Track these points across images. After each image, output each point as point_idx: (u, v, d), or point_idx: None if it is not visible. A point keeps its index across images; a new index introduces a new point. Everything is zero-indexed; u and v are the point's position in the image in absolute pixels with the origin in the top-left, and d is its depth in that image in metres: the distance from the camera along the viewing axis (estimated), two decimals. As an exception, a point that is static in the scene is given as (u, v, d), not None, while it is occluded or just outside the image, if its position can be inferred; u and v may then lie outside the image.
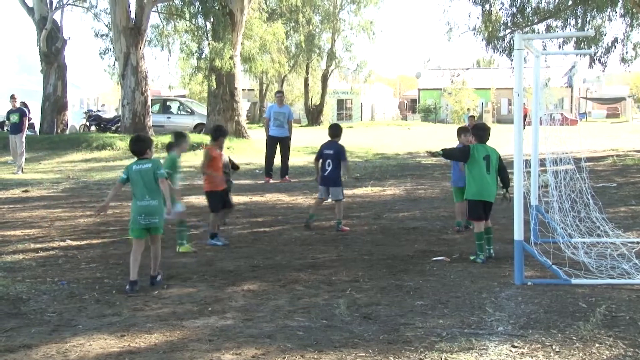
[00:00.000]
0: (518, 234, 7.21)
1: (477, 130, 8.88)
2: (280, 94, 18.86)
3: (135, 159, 7.46)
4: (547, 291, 6.80)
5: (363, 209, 12.80)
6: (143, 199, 7.23)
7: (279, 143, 17.78)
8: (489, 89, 65.91)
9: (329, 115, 64.87)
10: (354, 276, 7.59)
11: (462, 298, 6.62)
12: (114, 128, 34.16)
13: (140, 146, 7.50)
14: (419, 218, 11.74)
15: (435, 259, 8.42)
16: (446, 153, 9.03)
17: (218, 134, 10.17)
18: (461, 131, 10.25)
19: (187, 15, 32.27)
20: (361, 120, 66.90)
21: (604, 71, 28.25)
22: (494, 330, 5.62)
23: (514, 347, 5.21)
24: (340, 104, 71.60)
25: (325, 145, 10.95)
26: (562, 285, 7.01)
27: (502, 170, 8.62)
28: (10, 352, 5.19)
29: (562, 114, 45.54)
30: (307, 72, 57.75)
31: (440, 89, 66.54)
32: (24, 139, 20.64)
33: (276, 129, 17.71)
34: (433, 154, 8.74)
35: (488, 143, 8.75)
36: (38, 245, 9.54)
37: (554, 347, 5.19)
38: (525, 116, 33.99)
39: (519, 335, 5.46)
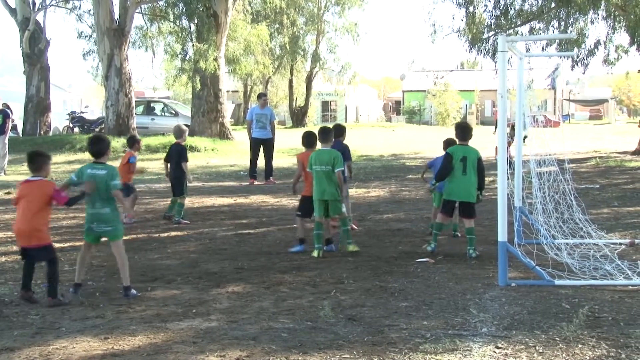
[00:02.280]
0: (502, 235, 7.24)
1: (458, 129, 8.94)
2: (263, 97, 18.83)
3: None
4: (531, 292, 6.84)
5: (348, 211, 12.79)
6: (94, 207, 7.02)
7: (262, 145, 17.77)
8: (473, 90, 66.22)
9: (314, 117, 64.89)
10: (339, 278, 7.60)
11: (446, 299, 6.64)
12: (97, 129, 33.99)
13: (99, 147, 7.20)
14: (403, 220, 11.77)
15: (419, 260, 8.45)
16: (438, 179, 8.97)
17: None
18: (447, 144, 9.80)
19: (171, 17, 32.19)
20: (345, 122, 66.94)
21: (584, 73, 28.45)
22: (478, 331, 5.64)
23: (498, 348, 5.23)
24: (325, 105, 71.65)
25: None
26: (545, 286, 7.05)
27: (480, 172, 8.69)
28: (-7, 355, 5.15)
29: (544, 116, 46.01)
30: (291, 74, 57.72)
31: (425, 91, 66.72)
32: (6, 141, 20.49)
33: (259, 130, 17.70)
34: (431, 191, 8.83)
35: (470, 143, 8.82)
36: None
37: (537, 347, 5.22)
38: (497, 120, 34.11)
39: (502, 336, 5.48)
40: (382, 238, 10.06)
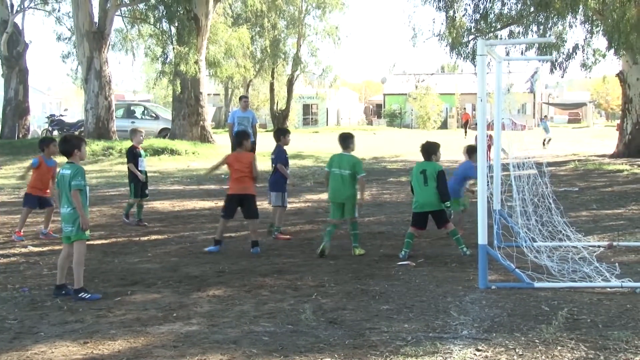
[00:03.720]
0: (482, 238, 7.28)
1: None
2: (244, 99, 18.78)
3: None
4: (511, 295, 6.88)
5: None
6: (62, 206, 7.10)
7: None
8: (454, 94, 66.54)
9: (295, 120, 64.87)
10: (320, 281, 7.60)
11: (427, 302, 6.66)
12: (77, 133, 33.78)
13: (65, 147, 7.24)
14: (384, 223, 11.79)
15: (400, 263, 8.47)
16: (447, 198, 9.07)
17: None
18: (472, 151, 10.03)
19: (152, 20, 32.07)
20: (327, 125, 67.01)
21: (562, 77, 28.68)
22: (459, 334, 5.66)
23: (478, 350, 5.26)
24: (306, 108, 71.63)
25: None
26: (525, 288, 7.09)
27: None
28: (-30, 361, 5.10)
29: (511, 120, 46.25)
30: (272, 77, 57.62)
31: (406, 94, 66.97)
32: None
33: (241, 133, 17.63)
34: (448, 206, 9.07)
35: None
36: (1, 251, 9.39)
37: (517, 350, 5.25)
38: (466, 122, 34.56)
39: (483, 339, 5.51)
40: (363, 241, 10.05)
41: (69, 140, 7.37)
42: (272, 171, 10.85)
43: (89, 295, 6.96)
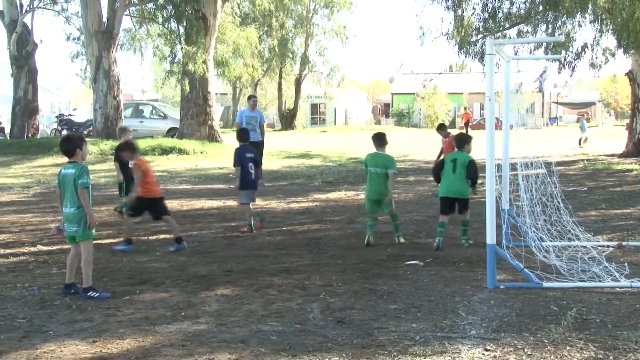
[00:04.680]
0: (490, 237, 7.27)
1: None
2: (253, 98, 18.79)
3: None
4: (519, 294, 6.86)
5: (337, 214, 12.82)
6: (65, 206, 7.07)
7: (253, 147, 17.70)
8: (462, 93, 66.42)
9: (303, 119, 64.90)
10: (328, 280, 7.60)
11: (435, 302, 6.65)
12: (85, 132, 33.88)
13: (67, 146, 7.21)
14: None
15: (408, 263, 8.46)
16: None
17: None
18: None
19: (160, 19, 32.13)
20: (335, 124, 66.99)
21: (571, 76, 28.58)
22: (467, 333, 5.65)
23: (487, 350, 5.24)
24: (314, 108, 71.66)
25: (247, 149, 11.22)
26: (534, 288, 7.07)
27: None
28: (-20, 359, 5.12)
29: (497, 118, 46.06)
30: (280, 77, 57.70)
31: (413, 94, 66.90)
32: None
33: (250, 133, 17.61)
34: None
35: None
36: (8, 251, 9.43)
37: (525, 350, 5.23)
38: (467, 122, 34.49)
39: (491, 339, 5.49)
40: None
41: (71, 140, 7.38)
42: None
43: (98, 294, 6.98)
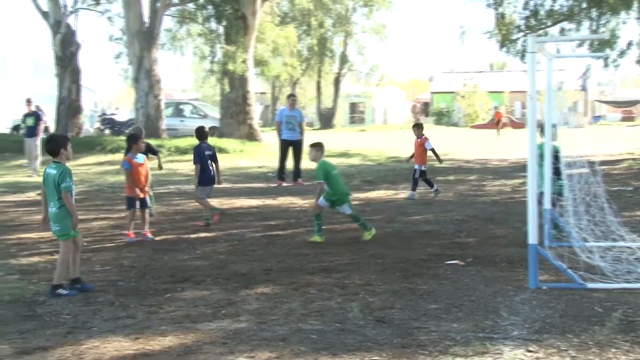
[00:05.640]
0: (532, 237, 7.18)
1: None
2: (292, 97, 18.85)
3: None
4: (562, 295, 6.76)
5: (376, 213, 12.78)
6: (49, 206, 7.16)
7: (291, 146, 17.77)
8: (503, 92, 65.78)
9: (342, 118, 64.90)
10: (367, 280, 7.58)
11: (476, 302, 6.60)
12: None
13: (52, 146, 7.26)
14: (432, 222, 11.70)
15: (448, 262, 8.40)
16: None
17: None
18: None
19: (200, 19, 32.39)
20: (373, 123, 66.86)
21: (615, 74, 28.18)
22: (509, 334, 5.59)
23: (529, 351, 5.18)
24: (353, 107, 71.63)
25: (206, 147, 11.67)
26: (577, 289, 6.97)
27: None
28: (27, 354, 5.22)
29: (510, 117, 45.06)
30: (319, 76, 57.79)
31: (453, 92, 66.47)
32: (38, 142, 20.76)
33: (288, 132, 17.70)
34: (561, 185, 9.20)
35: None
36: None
37: (569, 351, 5.16)
38: (498, 121, 34.02)
39: (534, 340, 5.43)
40: (411, 240, 10.02)
41: (56, 140, 7.42)
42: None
43: (67, 291, 7.05)
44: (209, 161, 11.53)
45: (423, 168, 14.78)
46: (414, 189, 14.65)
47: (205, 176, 11.48)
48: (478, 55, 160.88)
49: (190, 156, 22.64)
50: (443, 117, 68.68)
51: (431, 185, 14.68)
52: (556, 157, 9.06)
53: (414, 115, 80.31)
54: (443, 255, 8.80)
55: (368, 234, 10.02)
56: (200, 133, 11.90)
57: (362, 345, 5.35)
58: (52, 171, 7.10)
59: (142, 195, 10.28)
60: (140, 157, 10.44)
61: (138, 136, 10.74)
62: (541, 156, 8.76)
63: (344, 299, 6.78)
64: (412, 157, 15.27)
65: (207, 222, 11.39)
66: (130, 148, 10.55)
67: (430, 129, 51.16)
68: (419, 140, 14.92)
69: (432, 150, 14.84)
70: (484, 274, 7.79)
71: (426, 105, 79.82)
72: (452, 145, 31.90)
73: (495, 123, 43.15)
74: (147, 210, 10.43)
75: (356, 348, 5.30)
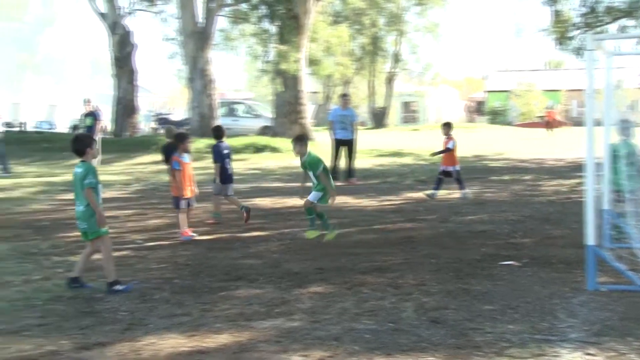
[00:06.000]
0: (590, 238, 7.04)
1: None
2: (345, 96, 18.85)
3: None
4: (622, 298, 6.62)
5: (429, 212, 12.70)
6: (75, 203, 7.29)
7: (344, 146, 17.77)
8: (559, 90, 64.62)
9: (394, 117, 64.63)
10: (421, 280, 7.53)
11: (532, 303, 6.50)
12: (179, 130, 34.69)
13: (77, 146, 7.37)
14: (486, 222, 11.57)
15: (503, 263, 8.30)
16: None
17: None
18: None
19: (253, 19, 32.63)
20: (426, 122, 66.42)
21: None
22: (567, 337, 5.49)
23: (588, 354, 5.09)
24: (406, 106, 71.29)
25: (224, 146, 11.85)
26: (637, 291, 6.81)
27: None
28: (86, 350, 5.32)
29: (548, 113, 43.80)
30: (371, 75, 57.65)
31: (508, 91, 65.60)
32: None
33: (341, 131, 17.70)
34: None
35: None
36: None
37: (630, 355, 5.05)
38: (550, 120, 33.17)
39: (592, 343, 5.32)
40: (465, 240, 9.93)
41: (81, 140, 7.56)
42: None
43: (124, 286, 7.17)
44: (227, 159, 11.75)
45: (457, 168, 14.64)
46: (462, 188, 14.49)
47: (225, 174, 11.68)
48: (534, 53, 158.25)
49: (242, 155, 22.89)
50: (497, 116, 67.78)
51: (436, 188, 14.48)
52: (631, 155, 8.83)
53: (468, 114, 79.49)
54: (498, 256, 8.69)
55: (310, 232, 10.14)
56: (218, 132, 12.12)
57: (416, 346, 5.32)
58: (78, 170, 7.24)
59: (189, 195, 10.40)
60: (186, 157, 10.57)
61: (186, 136, 10.90)
62: (616, 156, 8.59)
63: (398, 298, 6.75)
64: (440, 153, 15.07)
65: (217, 219, 11.63)
66: (176, 148, 10.66)
67: (484, 129, 50.66)
68: (446, 139, 14.78)
69: (447, 150, 14.66)
70: (540, 275, 7.67)
71: (480, 104, 78.92)
72: (507, 144, 31.51)
73: (546, 122, 42.44)
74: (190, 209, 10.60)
75: (410, 348, 5.27)
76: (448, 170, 14.59)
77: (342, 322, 5.99)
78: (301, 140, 10.25)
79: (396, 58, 56.69)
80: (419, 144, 30.32)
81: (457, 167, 14.67)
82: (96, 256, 7.51)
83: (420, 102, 69.57)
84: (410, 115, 71.05)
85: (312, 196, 10.11)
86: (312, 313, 6.30)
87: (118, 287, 7.18)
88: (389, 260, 8.62)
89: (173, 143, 12.35)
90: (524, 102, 62.68)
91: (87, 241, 7.43)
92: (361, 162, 20.96)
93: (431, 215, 12.31)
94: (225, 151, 11.79)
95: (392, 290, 7.11)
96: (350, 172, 17.92)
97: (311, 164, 10.06)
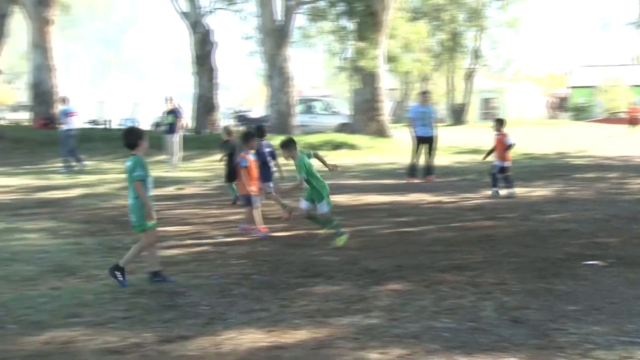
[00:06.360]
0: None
1: None
2: (425, 93, 18.71)
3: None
4: None
5: (510, 210, 12.46)
6: (128, 196, 7.38)
7: (424, 143, 17.63)
8: (648, 85, 62.37)
9: (473, 114, 63.70)
10: (501, 279, 7.39)
11: (618, 304, 6.30)
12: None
13: (129, 139, 7.39)
14: (569, 220, 11.28)
15: (587, 262, 8.07)
16: None
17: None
18: None
19: (332, 16, 32.71)
20: (507, 119, 65.22)
21: None
22: (655, 339, 5.30)
23: (677, 358, 4.90)
24: (485, 102, 70.13)
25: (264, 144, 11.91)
26: None
27: None
28: (169, 343, 5.43)
29: (632, 109, 41.83)
30: (450, 71, 56.99)
31: (593, 87, 63.77)
32: (175, 139, 21.62)
33: (421, 128, 17.56)
34: None
35: None
36: (191, 241, 9.92)
37: None
38: (634, 119, 32.20)
39: (682, 347, 5.12)
40: (547, 239, 9.70)
41: (133, 132, 7.59)
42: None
43: (121, 279, 7.21)
44: (269, 158, 11.84)
45: (505, 164, 14.33)
46: (510, 187, 14.24)
47: (266, 172, 11.70)
48: (620, 48, 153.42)
49: (320, 152, 23.00)
50: (581, 113, 65.96)
51: (494, 185, 14.27)
52: None
53: (550, 110, 77.66)
54: (582, 255, 8.46)
55: (340, 239, 9.41)
56: (260, 131, 12.27)
57: (496, 345, 5.23)
58: (128, 163, 7.31)
59: (256, 192, 10.51)
60: (252, 155, 10.68)
61: (254, 134, 11.13)
62: None
63: (477, 297, 6.65)
64: (490, 153, 14.78)
65: (289, 211, 11.65)
66: (244, 145, 10.76)
67: (567, 125, 49.39)
68: (498, 135, 14.47)
69: (510, 146, 14.48)
70: (627, 275, 7.43)
71: (563, 100, 76.98)
72: (591, 141, 30.67)
73: (629, 119, 41.12)
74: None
75: (491, 348, 5.18)
76: (504, 165, 14.38)
77: (420, 320, 5.93)
78: (286, 145, 9.71)
79: (476, 54, 55.87)
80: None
81: (505, 164, 14.39)
82: (175, 251, 7.64)
83: (501, 99, 68.31)
84: (490, 111, 69.79)
85: (305, 204, 9.69)
86: (390, 310, 6.27)
87: (119, 276, 7.22)
88: (468, 259, 8.50)
89: (230, 141, 13.21)
90: (610, 98, 60.78)
91: (137, 234, 7.51)
92: (440, 159, 20.75)
93: (512, 213, 12.08)
94: (267, 149, 11.89)
95: (471, 288, 7.01)
96: (429, 169, 17.77)
97: (296, 167, 9.60)
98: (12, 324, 5.91)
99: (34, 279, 7.51)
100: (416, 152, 17.74)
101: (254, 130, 12.23)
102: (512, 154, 14.99)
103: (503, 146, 14.44)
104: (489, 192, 14.34)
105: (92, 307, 6.44)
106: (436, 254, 8.84)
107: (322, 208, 9.56)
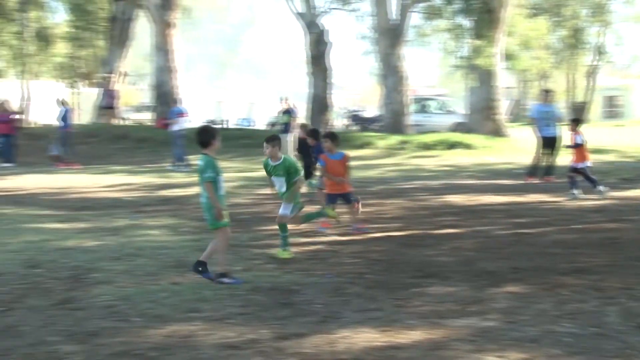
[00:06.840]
0: None
1: None
2: (547, 92, 18.15)
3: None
4: None
5: (636, 213, 11.93)
6: (201, 196, 7.41)
7: (549, 143, 17.08)
8: None
9: (596, 112, 61.34)
10: (626, 283, 7.08)
11: None
12: (374, 127, 35.14)
13: (202, 137, 7.37)
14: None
15: None
16: None
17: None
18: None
19: (447, 14, 32.30)
20: (632, 118, 62.38)
21: None
22: None
23: None
24: (608, 100, 67.34)
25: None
26: None
27: None
28: (284, 340, 5.49)
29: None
30: (571, 68, 55.11)
31: None
32: (291, 138, 21.93)
33: (546, 128, 16.99)
34: None
35: None
36: (305, 240, 10.00)
37: None
38: None
39: None
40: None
41: (206, 131, 7.57)
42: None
43: (231, 280, 7.19)
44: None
45: (588, 164, 13.78)
46: (595, 186, 13.67)
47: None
48: None
49: (434, 152, 22.86)
50: None
51: (573, 185, 13.99)
52: None
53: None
54: None
55: (283, 252, 8.72)
56: (315, 134, 12.54)
57: (622, 352, 5.00)
58: (200, 163, 7.36)
59: (334, 191, 10.55)
60: (338, 155, 10.58)
61: (336, 136, 10.95)
62: None
63: (600, 302, 6.39)
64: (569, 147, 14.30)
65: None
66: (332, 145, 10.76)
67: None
68: (573, 135, 13.90)
69: (575, 145, 14.13)
70: None
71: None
72: None
73: None
74: (356, 205, 10.67)
75: (615, 355, 4.97)
76: (577, 167, 13.84)
77: (540, 324, 5.76)
78: (274, 140, 9.06)
79: (599, 50, 53.79)
80: (623, 140, 28.60)
81: (588, 164, 13.89)
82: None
83: (625, 97, 65.40)
84: (613, 110, 67.03)
85: (285, 209, 8.87)
86: (507, 313, 6.12)
87: (225, 279, 7.24)
88: (590, 262, 8.18)
89: (304, 139, 13.38)
90: None
91: (212, 231, 7.55)
92: (559, 159, 20.11)
93: (637, 216, 11.54)
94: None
95: (594, 293, 6.75)
96: (549, 170, 17.23)
97: (290, 168, 8.85)
98: (137, 317, 6.14)
99: (155, 274, 7.78)
100: (541, 153, 17.23)
101: (311, 133, 12.62)
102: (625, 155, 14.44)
103: (581, 147, 14.02)
104: (609, 193, 13.85)
105: (210, 302, 6.60)
106: (556, 256, 8.57)
107: (285, 209, 8.90)
